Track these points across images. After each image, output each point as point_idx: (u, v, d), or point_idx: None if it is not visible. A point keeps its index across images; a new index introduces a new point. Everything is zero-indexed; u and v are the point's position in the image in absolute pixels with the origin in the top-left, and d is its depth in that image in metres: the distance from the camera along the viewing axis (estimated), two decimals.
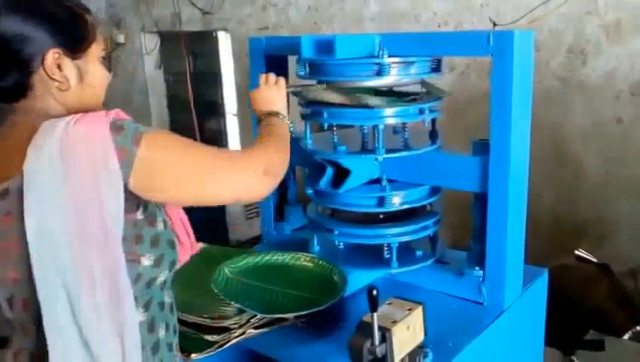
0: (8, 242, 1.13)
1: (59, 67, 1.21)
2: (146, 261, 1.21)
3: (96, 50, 1.29)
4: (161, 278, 1.25)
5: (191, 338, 1.56)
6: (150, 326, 1.26)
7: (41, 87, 1.21)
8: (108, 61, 1.36)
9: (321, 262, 1.92)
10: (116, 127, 1.14)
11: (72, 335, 1.13)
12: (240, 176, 1.30)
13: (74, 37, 1.24)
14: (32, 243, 1.10)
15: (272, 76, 1.77)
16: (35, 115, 1.20)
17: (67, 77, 1.22)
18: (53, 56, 1.19)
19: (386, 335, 1.41)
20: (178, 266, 1.32)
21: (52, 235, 1.10)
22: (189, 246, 1.38)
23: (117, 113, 1.19)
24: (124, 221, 1.14)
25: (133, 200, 1.17)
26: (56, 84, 1.21)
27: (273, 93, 1.73)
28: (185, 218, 1.39)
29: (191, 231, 1.40)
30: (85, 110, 1.25)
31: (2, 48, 1.16)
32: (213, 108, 6.22)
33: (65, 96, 1.24)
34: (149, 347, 1.25)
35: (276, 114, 1.68)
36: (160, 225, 1.25)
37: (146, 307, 1.25)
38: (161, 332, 1.29)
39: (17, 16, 1.17)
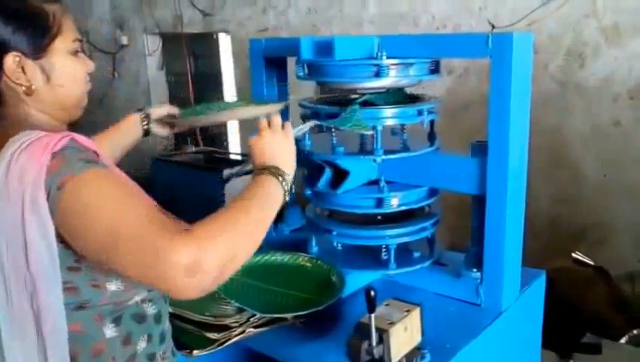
0: None
1: (23, 70, 1.14)
2: (113, 286, 1.16)
3: (63, 44, 1.19)
4: (136, 298, 1.21)
5: (193, 335, 1.57)
6: (125, 340, 1.22)
7: (9, 94, 1.15)
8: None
9: (319, 262, 1.92)
10: (56, 160, 1.05)
11: None
12: (154, 259, 1.01)
13: (31, 35, 1.14)
14: None
15: (277, 120, 1.44)
16: (10, 125, 1.15)
17: (31, 80, 1.14)
18: (13, 59, 1.12)
19: (383, 336, 1.41)
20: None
21: None
22: None
23: (70, 140, 1.09)
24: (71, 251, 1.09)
25: None
26: (22, 88, 1.14)
27: (277, 142, 1.40)
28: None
29: None
30: (65, 108, 1.22)
31: None
32: None
33: (36, 100, 1.17)
34: (122, 360, 1.22)
35: (275, 171, 1.34)
36: None
37: (116, 322, 1.20)
38: (141, 344, 1.25)
39: None
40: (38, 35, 1.15)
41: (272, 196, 1.29)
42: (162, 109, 1.84)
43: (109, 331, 1.19)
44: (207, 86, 6.22)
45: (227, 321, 1.59)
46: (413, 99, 1.94)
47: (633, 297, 3.05)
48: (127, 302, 1.20)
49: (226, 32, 5.58)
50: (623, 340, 2.72)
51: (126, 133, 1.78)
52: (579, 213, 3.54)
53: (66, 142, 1.07)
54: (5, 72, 1.12)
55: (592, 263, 3.10)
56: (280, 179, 1.32)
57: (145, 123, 1.80)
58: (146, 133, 1.81)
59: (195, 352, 1.51)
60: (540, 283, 2.00)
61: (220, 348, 1.54)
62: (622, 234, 3.41)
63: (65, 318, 1.10)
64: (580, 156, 3.52)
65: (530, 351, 2.08)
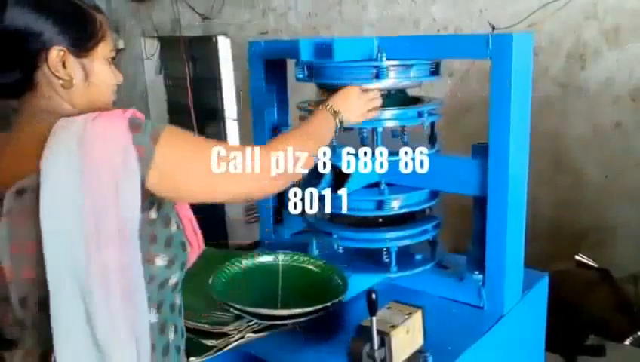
0: (24, 242, 1.12)
1: (63, 65, 1.19)
2: (160, 261, 1.20)
3: (103, 51, 1.27)
4: (173, 280, 1.25)
5: (190, 342, 1.55)
6: (162, 328, 1.26)
7: (45, 85, 1.20)
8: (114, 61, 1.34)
9: (321, 264, 1.91)
10: (134, 125, 1.13)
11: (83, 336, 1.12)
12: (249, 176, 1.28)
13: (80, 35, 1.21)
14: (46, 242, 1.08)
15: (374, 93, 1.77)
16: (45, 114, 1.19)
17: (71, 75, 1.20)
18: (57, 53, 1.17)
19: (385, 339, 1.40)
20: (188, 267, 1.32)
21: (68, 235, 1.09)
22: (197, 246, 1.37)
23: (134, 112, 1.18)
24: (141, 220, 1.13)
25: (149, 200, 1.17)
26: (60, 81, 1.19)
27: (358, 99, 1.73)
28: (193, 217, 1.37)
29: (199, 231, 1.38)
30: (94, 110, 1.23)
31: (6, 42, 1.14)
32: (213, 113, 6.23)
33: (71, 95, 1.22)
34: (159, 348, 1.25)
35: (334, 111, 1.65)
36: (173, 227, 1.24)
37: (159, 308, 1.24)
38: (171, 335, 1.29)
39: (23, 9, 1.14)
40: (85, 36, 1.23)
41: (326, 123, 1.62)
42: None
43: (153, 316, 1.23)
44: (206, 90, 6.21)
45: (225, 329, 1.57)
46: (414, 100, 1.93)
47: (637, 299, 3.04)
48: (168, 283, 1.24)
49: (225, 35, 5.57)
50: (626, 342, 2.71)
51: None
52: (580, 215, 3.53)
53: (131, 112, 1.17)
54: (48, 64, 1.17)
55: (595, 265, 3.09)
56: (337, 119, 1.64)
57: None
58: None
59: (192, 359, 1.50)
60: (542, 285, 1.99)
61: (218, 354, 1.52)
62: (624, 236, 3.39)
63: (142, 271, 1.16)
64: (581, 158, 3.50)
65: (534, 353, 2.07)
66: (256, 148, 1.31)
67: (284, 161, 1.35)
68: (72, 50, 1.20)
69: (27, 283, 1.14)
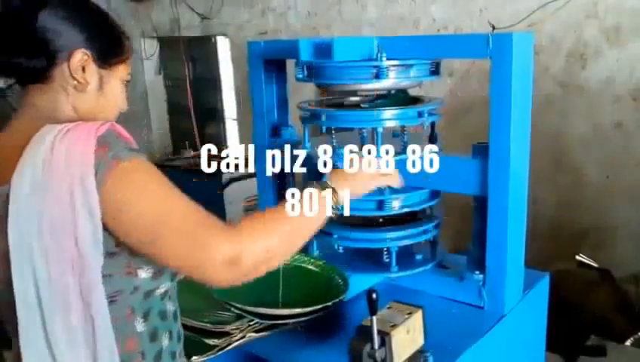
0: (1, 246, 1.13)
1: (83, 69, 1.22)
2: (144, 273, 1.20)
3: (122, 72, 1.31)
4: (161, 289, 1.25)
5: (192, 341, 1.55)
6: (152, 336, 1.25)
7: (59, 82, 1.22)
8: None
9: (321, 264, 1.90)
10: (101, 145, 1.10)
11: (44, 349, 1.13)
12: (198, 251, 1.11)
13: (107, 48, 1.27)
14: (12, 253, 1.10)
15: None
16: (44, 114, 1.22)
17: (87, 80, 1.23)
18: (81, 56, 1.21)
19: (385, 339, 1.40)
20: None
21: (30, 249, 1.10)
22: None
23: (110, 126, 1.15)
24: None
25: None
26: (74, 82, 1.22)
27: (367, 175, 1.49)
28: None
29: None
30: (95, 119, 1.25)
31: (38, 32, 1.18)
32: (212, 113, 6.23)
33: (79, 99, 1.24)
34: (151, 356, 1.25)
35: (332, 190, 1.39)
36: None
37: (145, 317, 1.24)
38: (165, 341, 1.29)
39: (61, 12, 1.20)
40: (112, 51, 1.28)
41: (318, 214, 1.33)
42: None
43: (140, 326, 1.23)
44: (206, 90, 6.21)
45: (227, 328, 1.57)
46: (414, 100, 1.92)
47: (637, 299, 3.04)
48: (155, 293, 1.24)
49: (225, 35, 5.58)
50: (627, 342, 2.71)
51: None
52: (581, 215, 3.52)
53: (107, 127, 1.14)
54: (69, 63, 1.21)
55: (595, 265, 3.09)
56: (333, 200, 1.38)
57: None
58: None
59: (194, 358, 1.50)
60: (543, 285, 1.98)
61: (219, 353, 1.52)
62: (625, 236, 3.39)
63: (105, 296, 1.13)
64: (581, 158, 3.50)
65: (535, 353, 2.06)
66: (225, 225, 1.15)
67: (249, 251, 1.14)
68: (95, 58, 1.24)
69: (5, 287, 1.15)
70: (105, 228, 1.11)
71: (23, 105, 1.24)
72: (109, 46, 1.28)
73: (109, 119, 1.28)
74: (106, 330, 1.14)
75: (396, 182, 1.57)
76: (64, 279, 1.10)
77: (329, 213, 1.36)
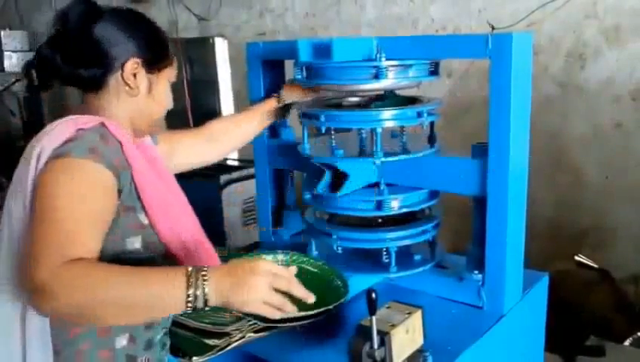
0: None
1: (134, 75, 1.37)
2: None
3: (169, 74, 1.47)
4: None
5: (192, 342, 1.55)
6: (102, 330, 1.32)
7: (114, 88, 1.37)
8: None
9: (320, 264, 1.89)
10: (77, 134, 1.25)
11: None
12: (30, 268, 1.09)
13: (155, 55, 1.41)
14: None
15: (288, 271, 1.32)
16: (94, 109, 1.37)
17: (138, 85, 1.38)
18: (133, 64, 1.36)
19: (384, 338, 1.40)
20: None
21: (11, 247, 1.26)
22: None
23: (100, 124, 1.29)
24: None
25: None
26: (127, 88, 1.37)
27: (266, 282, 1.21)
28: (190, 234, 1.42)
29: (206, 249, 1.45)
30: (141, 120, 1.44)
31: (94, 45, 1.33)
32: (210, 115, 6.20)
33: (129, 102, 1.39)
34: (97, 350, 1.31)
35: (195, 280, 1.14)
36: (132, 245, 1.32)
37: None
38: (121, 342, 1.34)
39: (114, 25, 1.35)
40: (159, 56, 1.43)
41: (169, 297, 1.14)
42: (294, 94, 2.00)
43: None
44: (203, 92, 6.20)
45: (227, 329, 1.56)
46: (413, 101, 1.92)
47: (637, 299, 3.04)
48: None
49: (223, 36, 5.57)
50: (626, 342, 2.71)
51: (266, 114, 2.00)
52: (580, 216, 3.52)
53: (94, 123, 1.27)
54: (123, 70, 1.36)
55: (595, 266, 3.09)
56: (192, 294, 1.13)
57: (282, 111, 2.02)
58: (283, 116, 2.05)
59: (195, 359, 1.49)
60: (542, 285, 1.98)
61: (219, 353, 1.51)
62: (624, 236, 3.39)
63: None
64: (581, 158, 3.50)
65: (534, 353, 2.06)
66: (57, 258, 1.08)
67: (63, 287, 1.06)
68: (145, 64, 1.39)
69: None
70: None
71: (81, 105, 1.39)
72: (157, 53, 1.42)
73: (155, 118, 1.47)
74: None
75: (286, 304, 1.26)
76: (19, 240, 1.24)
77: (182, 306, 1.14)
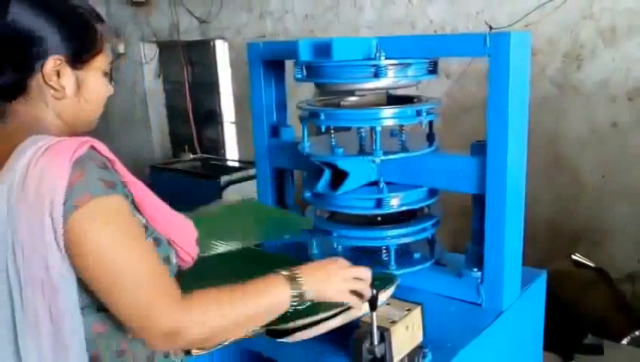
0: None
1: (57, 74, 1.16)
2: None
3: (100, 63, 1.24)
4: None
5: None
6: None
7: (36, 92, 1.17)
8: (110, 72, 1.29)
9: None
10: (77, 170, 1.06)
11: None
12: (143, 317, 1.09)
13: (80, 46, 1.18)
14: None
15: (363, 270, 1.39)
16: (27, 122, 1.17)
17: (64, 86, 1.18)
18: (54, 62, 1.15)
19: (384, 334, 1.41)
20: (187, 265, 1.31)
21: (6, 269, 1.08)
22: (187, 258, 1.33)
23: (89, 148, 1.10)
24: None
25: None
26: (52, 91, 1.17)
27: (337, 277, 1.34)
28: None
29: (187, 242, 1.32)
30: (80, 122, 1.24)
31: (7, 41, 1.12)
32: (211, 117, 6.24)
33: (59, 105, 1.19)
34: (142, 359, 1.24)
35: (296, 283, 1.27)
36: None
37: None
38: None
39: (30, 8, 1.12)
40: (84, 48, 1.20)
41: (276, 302, 1.25)
42: None
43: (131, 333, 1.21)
44: (205, 93, 6.23)
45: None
46: (412, 100, 1.94)
47: (634, 298, 3.05)
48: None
49: (223, 39, 5.59)
50: (624, 341, 2.72)
51: None
52: (578, 215, 3.54)
53: (86, 148, 1.09)
54: (43, 71, 1.15)
55: (592, 265, 3.10)
56: (295, 292, 1.27)
57: None
58: None
59: (195, 352, 1.49)
60: (540, 283, 1.99)
61: (219, 347, 1.51)
62: (621, 235, 3.41)
63: (82, 325, 1.12)
64: (578, 158, 3.52)
65: (532, 351, 2.08)
66: (176, 299, 1.12)
67: (193, 329, 1.11)
68: (69, 60, 1.17)
69: None
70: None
71: (6, 114, 1.18)
72: (83, 43, 1.19)
73: (96, 116, 1.28)
74: (79, 357, 1.12)
75: (367, 290, 1.38)
76: (35, 303, 1.08)
77: (288, 306, 1.26)
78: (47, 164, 1.05)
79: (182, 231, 1.31)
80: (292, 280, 1.27)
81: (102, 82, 1.25)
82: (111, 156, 1.14)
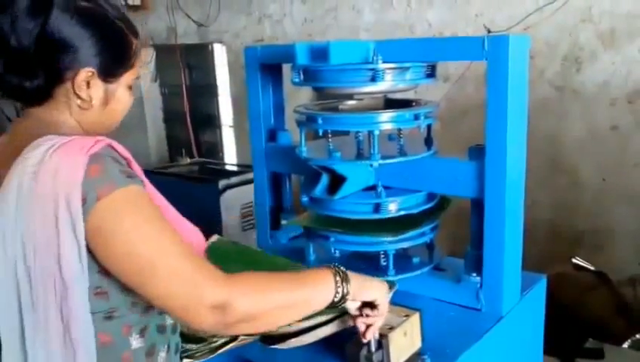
0: None
1: (87, 84, 1.16)
2: None
3: (130, 76, 1.25)
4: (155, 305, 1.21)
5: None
6: (149, 351, 1.23)
7: (62, 99, 1.17)
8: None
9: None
10: (93, 165, 1.05)
11: None
12: (191, 292, 1.08)
13: (114, 61, 1.20)
14: None
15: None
16: (45, 124, 1.16)
17: (92, 97, 1.18)
18: (86, 73, 1.15)
19: (382, 341, 1.40)
20: None
21: (14, 268, 1.06)
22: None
23: (107, 145, 1.10)
24: None
25: None
26: (79, 101, 1.17)
27: (382, 292, 1.38)
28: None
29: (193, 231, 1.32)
30: (98, 129, 1.23)
31: (43, 48, 1.11)
32: (209, 120, 6.24)
33: (83, 114, 1.19)
34: None
35: (343, 276, 1.30)
36: None
37: (142, 332, 1.21)
38: (162, 355, 1.26)
39: (71, 19, 1.12)
40: (119, 63, 1.21)
41: (322, 293, 1.27)
42: None
43: (135, 342, 1.20)
44: (202, 97, 6.22)
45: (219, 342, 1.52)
46: (411, 103, 1.93)
47: (635, 302, 3.04)
48: (152, 310, 1.21)
49: (221, 42, 5.59)
50: (625, 345, 2.71)
51: None
52: (578, 218, 3.53)
53: (103, 145, 1.08)
54: (74, 82, 1.15)
55: (592, 268, 3.09)
56: (342, 286, 1.29)
57: None
58: None
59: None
60: (540, 288, 1.98)
61: (212, 356, 1.49)
62: (621, 239, 3.40)
63: (92, 326, 1.10)
64: (578, 161, 3.51)
65: (532, 355, 2.06)
66: (218, 273, 1.12)
67: (240, 303, 1.10)
68: (101, 73, 1.17)
69: None
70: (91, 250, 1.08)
71: (24, 116, 1.19)
72: (117, 58, 1.21)
73: (112, 127, 1.28)
74: (87, 357, 1.09)
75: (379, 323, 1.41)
76: (46, 302, 1.06)
77: (329, 303, 1.29)
78: (62, 158, 1.04)
79: (190, 237, 1.29)
80: (342, 279, 1.29)
81: (128, 95, 1.27)
82: (127, 155, 1.14)
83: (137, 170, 1.15)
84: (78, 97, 1.16)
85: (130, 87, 1.27)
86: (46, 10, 1.10)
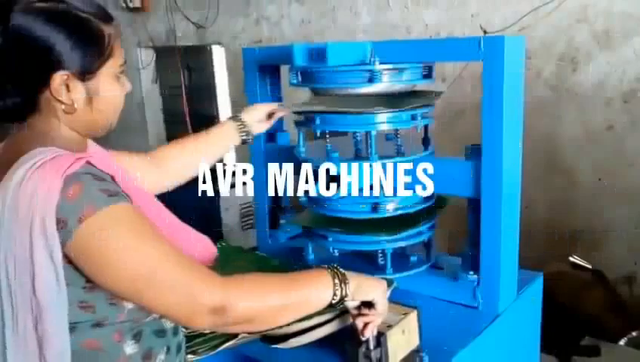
0: None
1: (67, 88, 1.12)
2: (130, 304, 1.16)
3: (111, 68, 1.18)
4: (154, 314, 1.22)
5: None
6: (146, 354, 1.23)
7: (46, 108, 1.14)
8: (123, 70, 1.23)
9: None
10: (71, 184, 1.03)
11: None
12: (190, 299, 1.10)
13: (87, 58, 1.13)
14: None
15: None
16: (40, 134, 1.15)
17: (73, 98, 1.13)
18: (60, 78, 1.10)
19: (380, 339, 1.41)
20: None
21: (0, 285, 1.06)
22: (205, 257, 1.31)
23: (85, 163, 1.07)
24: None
25: None
26: (62, 106, 1.13)
27: (380, 291, 1.41)
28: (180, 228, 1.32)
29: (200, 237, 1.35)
30: (95, 129, 1.21)
31: (12, 55, 1.07)
32: (208, 122, 6.23)
33: (71, 118, 1.16)
34: None
35: (341, 278, 1.32)
36: None
37: (136, 338, 1.20)
38: (161, 357, 1.26)
39: (34, 22, 1.07)
40: (93, 57, 1.14)
41: (320, 294, 1.30)
42: (257, 112, 1.85)
43: (129, 348, 1.19)
44: (202, 99, 6.23)
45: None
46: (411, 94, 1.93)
47: (631, 300, 3.06)
48: (146, 319, 1.21)
49: (220, 44, 5.60)
50: (621, 342, 2.73)
51: (224, 140, 1.81)
52: (574, 218, 3.54)
53: (80, 165, 1.06)
54: (50, 89, 1.11)
55: (589, 266, 3.11)
56: (340, 288, 1.31)
57: (243, 133, 1.82)
58: (244, 142, 1.83)
59: (189, 357, 1.48)
60: (537, 286, 2.00)
61: (212, 352, 1.50)
62: (617, 237, 3.41)
63: (69, 343, 1.09)
64: (574, 161, 3.53)
65: (529, 353, 2.08)
66: (214, 276, 1.14)
67: (237, 305, 1.13)
68: (77, 73, 1.12)
69: None
70: (77, 269, 1.07)
71: (21, 126, 1.17)
72: (90, 54, 1.13)
73: (112, 121, 1.24)
74: None
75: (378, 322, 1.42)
76: (25, 321, 1.06)
77: (326, 304, 1.31)
78: (39, 180, 1.02)
79: (195, 245, 1.30)
80: (340, 281, 1.31)
81: (115, 87, 1.20)
82: (112, 172, 1.13)
83: (125, 182, 1.15)
84: (61, 102, 1.13)
85: (117, 77, 1.21)
86: (4, 15, 1.06)
